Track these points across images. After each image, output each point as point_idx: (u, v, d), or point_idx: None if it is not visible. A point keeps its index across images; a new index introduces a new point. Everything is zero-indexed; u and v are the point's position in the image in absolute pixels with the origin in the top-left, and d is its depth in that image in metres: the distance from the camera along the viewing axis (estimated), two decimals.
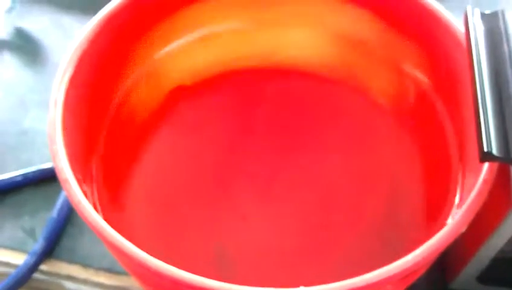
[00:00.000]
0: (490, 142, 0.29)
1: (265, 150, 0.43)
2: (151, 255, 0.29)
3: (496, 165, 0.31)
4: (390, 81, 0.42)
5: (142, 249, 0.29)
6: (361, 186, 0.41)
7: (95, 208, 0.32)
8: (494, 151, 0.29)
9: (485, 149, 0.29)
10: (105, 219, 0.30)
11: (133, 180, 0.41)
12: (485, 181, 0.30)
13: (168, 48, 0.43)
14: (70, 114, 0.33)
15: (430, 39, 0.38)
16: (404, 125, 0.42)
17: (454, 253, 0.36)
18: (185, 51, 0.43)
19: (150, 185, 0.41)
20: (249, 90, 0.45)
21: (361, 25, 0.42)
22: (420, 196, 0.40)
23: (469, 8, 0.34)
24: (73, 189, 0.30)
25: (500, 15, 0.34)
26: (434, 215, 0.36)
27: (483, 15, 0.34)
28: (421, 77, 0.40)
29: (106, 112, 0.39)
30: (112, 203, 0.38)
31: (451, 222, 0.29)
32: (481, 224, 0.32)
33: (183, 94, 0.44)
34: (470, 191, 0.31)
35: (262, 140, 0.43)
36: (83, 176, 0.33)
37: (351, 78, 0.44)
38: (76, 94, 0.34)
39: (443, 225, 0.34)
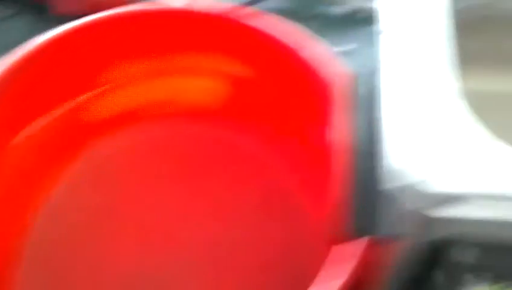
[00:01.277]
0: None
1: (170, 197, 0.43)
2: None
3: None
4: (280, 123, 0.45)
5: None
6: (258, 223, 0.42)
7: None
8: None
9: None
10: None
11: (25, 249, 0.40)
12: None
13: (76, 101, 0.45)
14: None
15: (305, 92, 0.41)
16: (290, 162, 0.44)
17: None
18: (94, 101, 0.45)
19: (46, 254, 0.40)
20: (155, 136, 0.46)
21: (251, 75, 0.45)
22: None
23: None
24: None
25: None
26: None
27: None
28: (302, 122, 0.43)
29: None
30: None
31: None
32: None
33: (93, 143, 0.45)
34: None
35: (166, 186, 0.44)
36: None
37: (246, 119, 0.46)
38: None
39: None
